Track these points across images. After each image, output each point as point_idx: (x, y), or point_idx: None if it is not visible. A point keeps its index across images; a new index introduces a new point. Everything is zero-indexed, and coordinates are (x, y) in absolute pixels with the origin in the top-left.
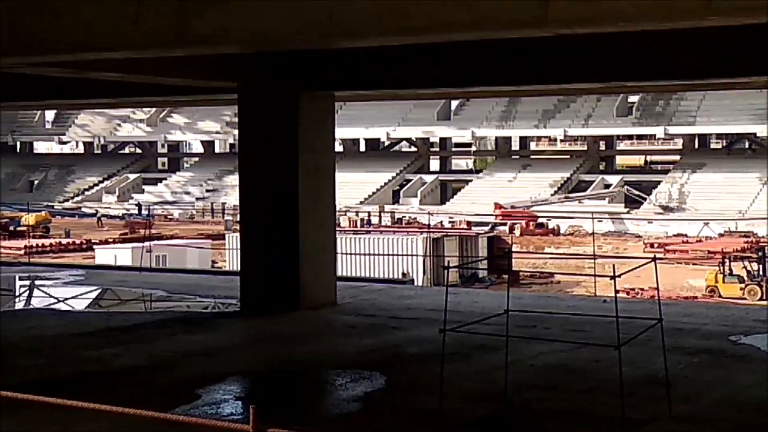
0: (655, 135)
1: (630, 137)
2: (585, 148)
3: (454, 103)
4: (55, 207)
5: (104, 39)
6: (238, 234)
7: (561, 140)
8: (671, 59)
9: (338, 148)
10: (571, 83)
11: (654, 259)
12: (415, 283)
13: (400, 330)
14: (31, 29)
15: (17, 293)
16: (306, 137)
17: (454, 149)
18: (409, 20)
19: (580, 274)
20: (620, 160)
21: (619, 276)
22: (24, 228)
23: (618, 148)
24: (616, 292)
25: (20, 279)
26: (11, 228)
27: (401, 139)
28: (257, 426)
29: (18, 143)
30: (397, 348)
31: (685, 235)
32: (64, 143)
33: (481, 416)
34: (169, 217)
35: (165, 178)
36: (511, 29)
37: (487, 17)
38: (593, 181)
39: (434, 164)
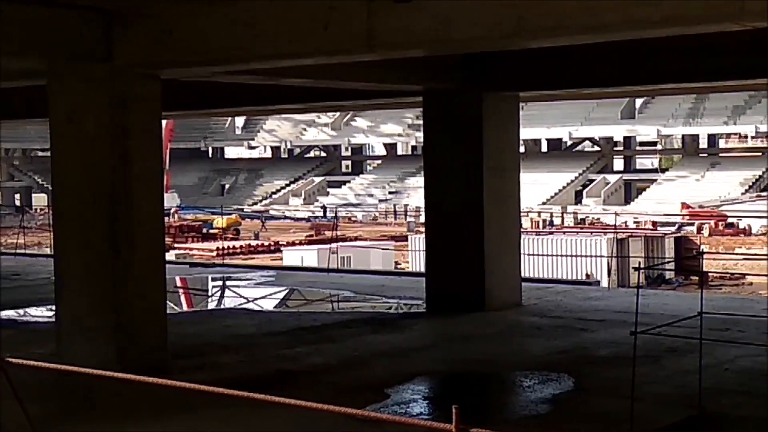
0: None
1: None
2: None
3: (639, 101)
4: (245, 210)
5: (296, 46)
6: (420, 235)
7: (752, 137)
8: None
9: (520, 148)
10: (764, 78)
11: None
12: (601, 285)
13: (587, 332)
14: (225, 39)
15: (210, 293)
16: (490, 138)
17: (638, 148)
18: (597, 18)
19: None
20: None
21: None
22: (216, 231)
23: None
24: None
25: (212, 280)
26: (204, 231)
27: (584, 139)
28: (459, 426)
29: (210, 149)
30: (585, 350)
31: None
32: (253, 148)
33: (674, 421)
34: (352, 219)
35: (349, 181)
36: (704, 24)
37: (677, 13)
38: None
39: (618, 164)
